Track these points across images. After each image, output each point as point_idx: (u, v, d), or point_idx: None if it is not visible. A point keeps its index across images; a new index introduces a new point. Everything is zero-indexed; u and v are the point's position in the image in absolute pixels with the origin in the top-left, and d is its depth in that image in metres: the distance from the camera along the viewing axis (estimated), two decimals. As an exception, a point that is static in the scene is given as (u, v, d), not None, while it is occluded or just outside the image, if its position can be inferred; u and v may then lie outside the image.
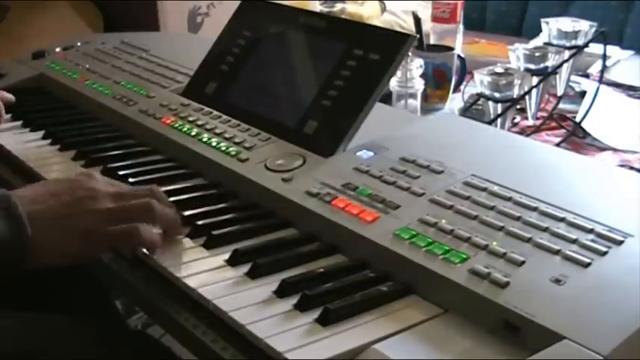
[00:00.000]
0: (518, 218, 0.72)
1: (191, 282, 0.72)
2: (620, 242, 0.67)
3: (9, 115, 1.16)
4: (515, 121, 1.29)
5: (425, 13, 1.42)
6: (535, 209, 0.73)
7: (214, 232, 0.80)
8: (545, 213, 0.73)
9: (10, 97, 1.18)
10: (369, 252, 0.74)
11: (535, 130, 1.25)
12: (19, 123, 1.17)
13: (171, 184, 0.92)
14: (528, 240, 0.69)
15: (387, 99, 1.23)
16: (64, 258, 0.75)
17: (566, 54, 1.28)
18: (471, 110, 1.27)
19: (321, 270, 0.73)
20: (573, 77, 1.39)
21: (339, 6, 1.74)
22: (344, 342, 0.63)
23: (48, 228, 0.72)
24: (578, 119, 1.24)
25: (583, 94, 1.34)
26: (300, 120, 0.96)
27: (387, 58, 0.92)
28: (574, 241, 0.68)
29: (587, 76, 1.48)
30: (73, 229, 0.73)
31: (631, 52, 1.64)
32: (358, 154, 0.88)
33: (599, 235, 0.68)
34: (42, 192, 0.76)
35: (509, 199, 0.76)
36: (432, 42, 1.41)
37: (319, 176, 0.85)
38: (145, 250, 0.77)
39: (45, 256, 0.72)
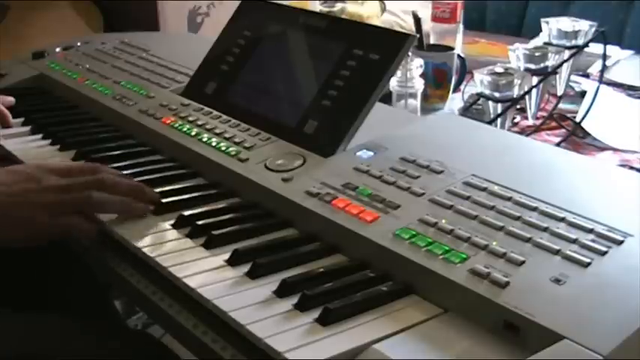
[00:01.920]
0: (518, 218, 0.72)
1: (191, 282, 0.72)
2: (620, 242, 0.67)
3: (17, 120, 1.16)
4: (515, 121, 1.29)
5: (425, 13, 1.42)
6: (535, 209, 0.73)
7: (214, 232, 0.80)
8: (545, 213, 0.73)
9: (11, 99, 1.18)
10: (369, 252, 0.74)
11: (535, 130, 1.25)
12: (19, 123, 1.17)
13: (172, 184, 0.92)
14: (528, 240, 0.69)
15: (387, 99, 1.23)
16: (7, 243, 0.80)
17: (566, 54, 1.28)
18: (471, 110, 1.27)
19: (321, 270, 0.73)
20: (573, 77, 1.39)
21: (339, 6, 1.74)
22: (344, 342, 0.63)
23: None
24: (578, 119, 1.24)
25: (583, 94, 1.34)
26: (300, 120, 0.96)
27: (387, 57, 0.92)
28: (574, 241, 0.68)
29: (587, 76, 1.48)
30: (17, 218, 0.79)
31: (631, 52, 1.64)
32: (358, 154, 0.88)
33: (599, 235, 0.68)
34: None
35: (509, 199, 0.76)
36: (432, 42, 1.41)
37: (319, 176, 0.85)
38: (145, 251, 0.78)
39: None
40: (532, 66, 1.25)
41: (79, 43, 1.45)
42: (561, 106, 1.31)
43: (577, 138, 1.22)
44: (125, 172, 0.95)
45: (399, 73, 1.22)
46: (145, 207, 0.85)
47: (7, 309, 0.86)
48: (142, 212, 0.85)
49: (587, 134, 1.22)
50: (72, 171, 0.86)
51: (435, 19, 1.41)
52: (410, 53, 1.21)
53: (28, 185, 0.81)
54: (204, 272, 0.74)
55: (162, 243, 0.80)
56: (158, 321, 0.78)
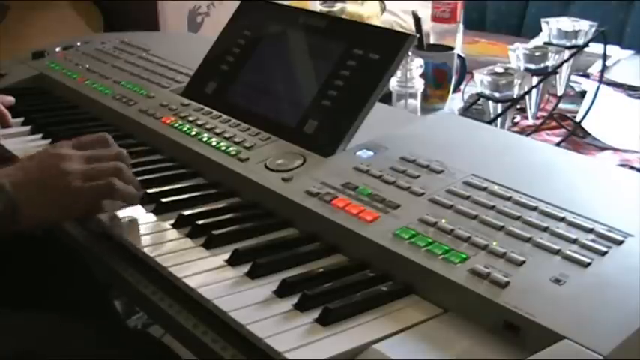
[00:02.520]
0: (518, 218, 0.72)
1: (191, 282, 0.72)
2: (620, 242, 0.67)
3: (17, 120, 1.16)
4: (515, 120, 1.29)
5: (425, 12, 1.42)
6: (535, 209, 0.73)
7: (214, 232, 0.80)
8: (545, 213, 0.73)
9: (11, 99, 1.18)
10: (369, 252, 0.74)
11: (535, 129, 1.25)
12: (19, 123, 1.17)
13: (172, 184, 0.92)
14: (528, 240, 0.69)
15: (387, 99, 1.22)
16: (48, 218, 0.82)
17: (566, 54, 1.28)
18: (471, 110, 1.27)
19: (321, 270, 0.73)
20: (573, 77, 1.39)
21: (339, 6, 1.74)
22: (344, 342, 0.63)
23: (30, 192, 0.80)
24: (578, 119, 1.24)
25: (583, 93, 1.34)
26: (300, 120, 0.96)
27: (387, 57, 0.92)
28: (574, 241, 0.68)
29: (587, 75, 1.48)
30: (52, 190, 0.81)
31: (631, 52, 1.64)
32: (358, 153, 0.88)
33: (599, 235, 0.68)
34: (20, 166, 0.84)
35: (509, 198, 0.76)
36: (432, 42, 1.41)
37: (319, 176, 0.85)
38: (145, 251, 0.78)
39: (32, 217, 0.80)
40: (532, 66, 1.25)
41: (79, 43, 1.45)
42: (561, 106, 1.31)
43: (577, 138, 1.22)
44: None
45: (399, 73, 1.22)
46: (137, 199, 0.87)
47: (7, 308, 0.86)
48: (135, 203, 0.86)
49: (587, 134, 1.22)
50: (87, 144, 0.89)
51: (435, 19, 1.41)
52: (410, 53, 1.21)
53: (53, 160, 0.83)
54: (204, 272, 0.74)
55: (162, 243, 0.80)
56: (158, 321, 0.78)
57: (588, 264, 0.65)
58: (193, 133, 1.01)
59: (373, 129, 0.91)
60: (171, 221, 0.84)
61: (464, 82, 1.40)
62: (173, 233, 0.82)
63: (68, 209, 0.82)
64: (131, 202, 0.86)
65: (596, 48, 1.35)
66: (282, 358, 0.61)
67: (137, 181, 0.87)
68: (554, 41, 1.31)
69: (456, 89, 1.39)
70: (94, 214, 0.85)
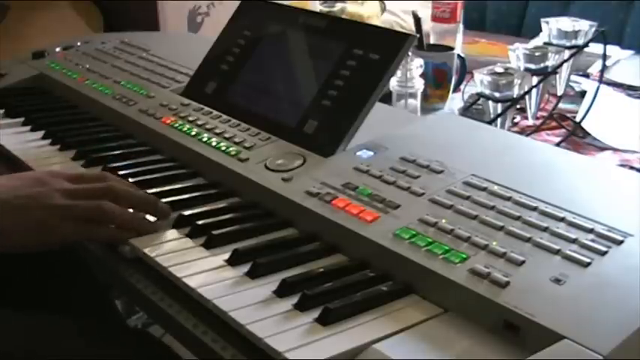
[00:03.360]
0: (518, 218, 0.72)
1: (191, 282, 0.72)
2: (620, 242, 0.67)
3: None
4: (515, 121, 1.29)
5: (425, 12, 1.42)
6: (535, 209, 0.73)
7: (214, 232, 0.80)
8: (545, 213, 0.73)
9: None
10: (369, 252, 0.74)
11: (535, 129, 1.25)
12: (19, 122, 1.17)
13: (171, 184, 0.92)
14: (528, 240, 0.69)
15: (387, 99, 1.22)
16: (19, 246, 0.80)
17: (566, 54, 1.28)
18: (471, 110, 1.27)
19: (321, 270, 0.73)
20: (573, 77, 1.39)
21: (339, 6, 1.74)
22: (344, 342, 0.63)
23: (6, 217, 0.77)
24: (578, 119, 1.24)
25: (583, 93, 1.34)
26: (300, 120, 0.96)
27: (387, 57, 0.92)
28: (574, 241, 0.68)
29: (587, 76, 1.48)
30: (28, 221, 0.78)
31: (631, 52, 1.64)
32: (358, 153, 0.88)
33: (599, 235, 0.68)
34: (5, 184, 0.81)
35: (509, 198, 0.76)
36: (432, 42, 1.41)
37: (319, 176, 0.85)
38: (145, 251, 0.78)
39: (4, 242, 0.78)
40: (532, 66, 1.25)
41: (79, 43, 1.45)
42: (561, 106, 1.31)
43: (577, 138, 1.22)
44: (125, 171, 0.95)
45: (399, 73, 1.22)
46: (154, 226, 0.82)
47: (7, 309, 0.86)
48: (151, 231, 0.82)
49: (587, 134, 1.22)
50: (81, 178, 0.85)
51: (435, 19, 1.41)
52: (410, 53, 1.21)
53: (38, 188, 0.80)
54: (204, 272, 0.74)
55: (162, 243, 0.80)
56: (158, 321, 0.78)
57: (588, 264, 0.65)
58: (193, 133, 1.01)
59: (373, 129, 0.91)
60: (172, 221, 0.84)
61: (464, 82, 1.40)
62: (173, 233, 0.82)
63: (38, 240, 0.79)
64: (135, 227, 0.81)
65: (596, 48, 1.35)
66: (282, 358, 0.61)
67: (127, 215, 0.81)
68: (554, 41, 1.31)
69: (456, 89, 1.39)
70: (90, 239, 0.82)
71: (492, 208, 0.74)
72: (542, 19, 1.35)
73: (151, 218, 0.84)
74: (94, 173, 0.89)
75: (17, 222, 0.78)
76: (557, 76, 1.31)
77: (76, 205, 0.79)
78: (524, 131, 1.26)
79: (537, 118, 1.29)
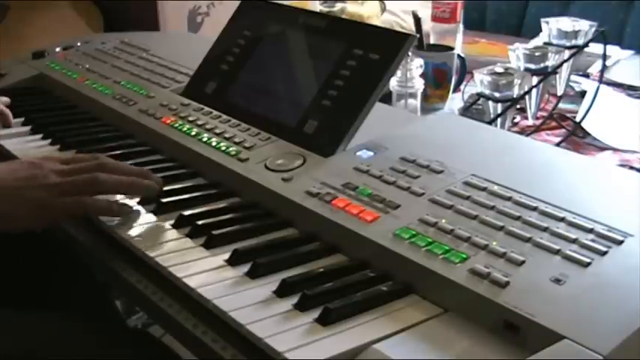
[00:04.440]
0: (518, 218, 0.72)
1: (191, 282, 0.72)
2: (620, 242, 0.67)
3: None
4: (515, 121, 1.29)
5: (425, 12, 1.42)
6: (535, 209, 0.73)
7: (214, 232, 0.80)
8: (545, 213, 0.73)
9: (6, 99, 1.17)
10: (369, 252, 0.74)
11: (535, 129, 1.25)
12: (19, 123, 1.17)
13: (171, 184, 0.92)
14: (528, 240, 0.69)
15: (387, 99, 1.22)
16: (19, 226, 0.83)
17: (566, 54, 1.28)
18: (471, 110, 1.27)
19: (321, 270, 0.73)
20: (573, 77, 1.39)
21: (339, 6, 1.74)
22: (344, 342, 0.63)
23: (4, 199, 0.81)
24: (578, 119, 1.24)
25: (583, 94, 1.34)
26: (300, 120, 0.96)
27: (387, 57, 0.92)
28: (574, 241, 0.68)
29: (587, 76, 1.48)
30: (26, 201, 0.81)
31: (631, 52, 1.64)
32: (358, 153, 0.88)
33: (599, 235, 0.68)
34: (2, 170, 0.85)
35: (509, 198, 0.76)
36: (432, 42, 1.41)
37: (319, 176, 0.85)
38: (145, 251, 0.78)
39: (7, 224, 0.81)
40: (532, 66, 1.25)
41: (79, 43, 1.45)
42: (561, 106, 1.31)
43: (577, 138, 1.22)
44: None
45: (399, 73, 1.22)
46: (152, 183, 0.87)
47: (8, 308, 0.86)
48: (150, 190, 0.86)
49: (587, 134, 1.22)
50: (74, 159, 0.89)
51: (435, 19, 1.41)
52: (410, 53, 1.21)
53: (33, 171, 0.83)
54: (204, 272, 0.74)
55: (162, 243, 0.80)
56: (158, 321, 0.78)
57: (588, 264, 0.65)
58: (193, 133, 1.01)
59: (373, 129, 0.91)
60: (171, 221, 0.84)
61: (464, 82, 1.40)
62: (173, 233, 0.82)
63: (37, 219, 0.83)
64: (133, 189, 0.87)
65: (596, 48, 1.35)
66: (282, 358, 0.61)
67: (124, 180, 0.86)
68: (554, 41, 1.31)
69: (456, 89, 1.39)
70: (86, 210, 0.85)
71: (492, 208, 0.74)
72: (542, 19, 1.35)
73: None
74: (85, 155, 0.92)
75: (17, 204, 0.81)
76: (557, 76, 1.31)
77: (72, 181, 0.83)
78: (524, 131, 1.26)
79: (537, 118, 1.29)
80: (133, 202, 0.88)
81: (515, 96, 1.18)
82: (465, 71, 1.39)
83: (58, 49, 1.43)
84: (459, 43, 1.43)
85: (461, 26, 1.43)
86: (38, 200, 0.81)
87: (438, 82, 1.34)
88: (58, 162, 0.87)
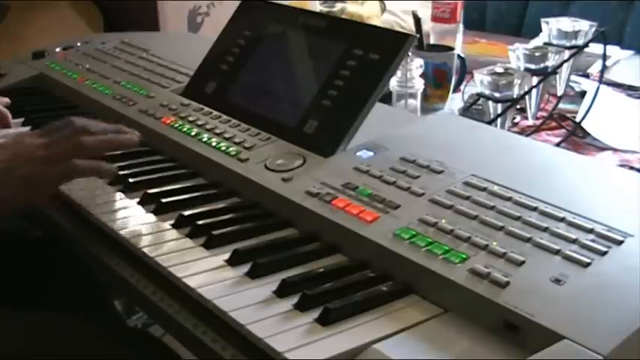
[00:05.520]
0: (518, 218, 0.72)
1: (191, 282, 0.72)
2: (620, 242, 0.67)
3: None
4: (515, 121, 1.29)
5: (425, 13, 1.42)
6: (535, 209, 0.73)
7: (214, 232, 0.80)
8: (545, 213, 0.73)
9: (6, 100, 1.17)
10: (369, 252, 0.74)
11: (535, 130, 1.25)
12: (19, 123, 1.17)
13: (172, 184, 0.92)
14: (528, 240, 0.69)
15: (387, 99, 1.22)
16: (16, 205, 0.84)
17: (566, 54, 1.28)
18: (471, 110, 1.27)
19: (321, 270, 0.73)
20: (573, 77, 1.39)
21: (339, 6, 1.74)
22: (344, 342, 0.63)
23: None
24: (578, 119, 1.24)
25: (583, 94, 1.34)
26: (300, 120, 0.96)
27: (387, 58, 0.92)
28: (574, 241, 0.68)
29: (587, 76, 1.48)
30: (16, 179, 0.82)
31: (631, 52, 1.64)
32: (358, 154, 0.88)
33: (599, 235, 0.68)
34: None
35: (509, 199, 0.76)
36: (432, 42, 1.41)
37: (319, 176, 0.85)
38: (145, 251, 0.78)
39: (3, 202, 0.82)
40: (532, 66, 1.25)
41: (79, 43, 1.45)
42: (561, 106, 1.31)
43: (577, 138, 1.22)
44: (125, 172, 0.95)
45: (399, 73, 1.22)
46: (131, 137, 0.89)
47: (7, 309, 0.86)
48: (130, 141, 0.89)
49: (587, 134, 1.22)
50: (49, 130, 0.87)
51: (435, 19, 1.41)
52: (410, 53, 1.21)
53: (15, 149, 0.84)
54: (204, 272, 0.74)
55: (162, 243, 0.80)
56: (158, 321, 0.78)
57: (588, 264, 0.65)
58: (193, 134, 1.01)
59: (373, 129, 0.91)
60: (171, 221, 0.84)
61: (464, 82, 1.40)
62: (173, 233, 0.82)
63: (30, 195, 0.84)
64: (101, 174, 0.88)
65: (596, 48, 1.35)
66: (282, 358, 0.61)
67: (105, 139, 0.87)
68: (554, 41, 1.31)
69: (456, 89, 1.39)
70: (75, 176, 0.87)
71: (492, 208, 0.74)
72: (542, 19, 1.35)
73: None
74: (57, 122, 0.89)
75: (9, 184, 0.82)
76: (557, 76, 1.30)
77: (57, 151, 0.83)
78: (524, 131, 1.26)
79: (537, 118, 1.29)
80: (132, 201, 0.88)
81: (515, 96, 1.18)
82: (465, 71, 1.39)
83: (58, 49, 1.43)
84: (459, 43, 1.43)
85: (461, 26, 1.43)
86: (29, 175, 0.82)
87: (438, 82, 1.33)
88: (34, 136, 0.86)
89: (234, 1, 1.17)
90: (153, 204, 0.88)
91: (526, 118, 1.30)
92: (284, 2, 1.18)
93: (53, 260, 1.12)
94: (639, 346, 0.58)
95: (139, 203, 0.89)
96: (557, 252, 0.67)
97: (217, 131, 1.00)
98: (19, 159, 0.82)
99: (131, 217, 0.86)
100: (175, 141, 1.01)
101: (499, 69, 1.20)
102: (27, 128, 1.14)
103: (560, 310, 0.61)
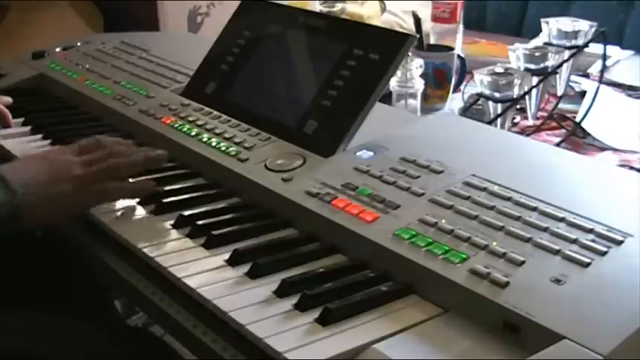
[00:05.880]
0: (518, 218, 0.72)
1: (191, 282, 0.72)
2: (620, 242, 0.67)
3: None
4: (515, 121, 1.29)
5: (425, 13, 1.42)
6: (535, 209, 0.73)
7: (214, 232, 0.80)
8: (545, 213, 0.73)
9: (8, 99, 1.18)
10: (369, 252, 0.74)
11: (535, 130, 1.25)
12: (19, 123, 1.17)
13: (172, 184, 0.92)
14: (528, 240, 0.69)
15: (387, 99, 1.22)
16: (52, 218, 0.86)
17: (566, 54, 1.28)
18: (471, 110, 1.27)
19: (321, 270, 0.73)
20: (573, 77, 1.39)
21: (339, 6, 1.74)
22: (344, 342, 0.63)
23: (37, 193, 0.83)
24: (578, 119, 1.24)
25: (583, 94, 1.34)
26: (300, 120, 0.96)
27: (387, 58, 0.92)
28: (574, 241, 0.68)
29: (587, 76, 1.48)
30: (58, 192, 0.84)
31: (631, 52, 1.64)
32: (358, 154, 0.88)
33: (599, 235, 0.68)
34: (27, 164, 0.88)
35: (509, 199, 0.76)
36: (432, 42, 1.41)
37: (319, 176, 0.85)
38: (145, 251, 0.78)
39: (37, 216, 0.83)
40: (532, 66, 1.25)
41: (79, 43, 1.45)
42: (561, 106, 1.31)
43: (577, 138, 1.22)
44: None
45: (399, 73, 1.22)
46: (161, 154, 0.92)
47: (7, 309, 0.86)
48: (159, 158, 0.92)
49: (587, 134, 1.22)
50: (83, 148, 0.91)
51: (435, 19, 1.41)
52: (410, 53, 1.21)
53: (55, 166, 0.86)
54: (204, 272, 0.74)
55: (163, 243, 0.80)
56: (158, 321, 0.78)
57: (588, 264, 0.65)
58: (193, 134, 1.01)
59: (373, 129, 0.91)
60: (172, 221, 0.84)
61: (464, 82, 1.40)
62: (173, 233, 0.82)
63: (69, 209, 0.86)
64: (135, 195, 0.89)
65: (596, 48, 1.35)
66: (282, 358, 0.61)
67: (139, 159, 0.90)
68: (554, 41, 1.31)
69: (456, 89, 1.39)
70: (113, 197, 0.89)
71: (492, 208, 0.74)
72: (542, 19, 1.35)
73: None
74: (88, 140, 0.93)
75: (44, 198, 0.83)
76: (557, 76, 1.30)
77: (95, 170, 0.86)
78: (524, 131, 1.26)
79: (537, 119, 1.29)
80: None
81: (515, 96, 1.18)
82: (465, 71, 1.39)
83: (58, 49, 1.43)
84: (459, 43, 1.43)
85: (461, 26, 1.43)
86: (68, 193, 0.84)
87: (438, 83, 1.34)
88: (68, 153, 0.89)
89: (234, 1, 1.17)
90: (153, 204, 0.88)
91: (526, 118, 1.30)
92: (284, 2, 1.18)
93: (53, 260, 1.12)
94: (639, 346, 0.58)
95: (139, 203, 0.89)
96: (557, 252, 0.67)
97: (217, 131, 1.00)
98: (62, 175, 0.85)
99: (131, 217, 0.86)
100: (175, 141, 1.01)
101: (499, 69, 1.20)
102: (27, 128, 1.14)
103: (560, 310, 0.61)
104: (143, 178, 0.92)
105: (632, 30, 1.86)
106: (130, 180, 0.91)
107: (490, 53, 1.60)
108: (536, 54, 1.26)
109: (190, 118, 1.05)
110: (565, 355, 0.57)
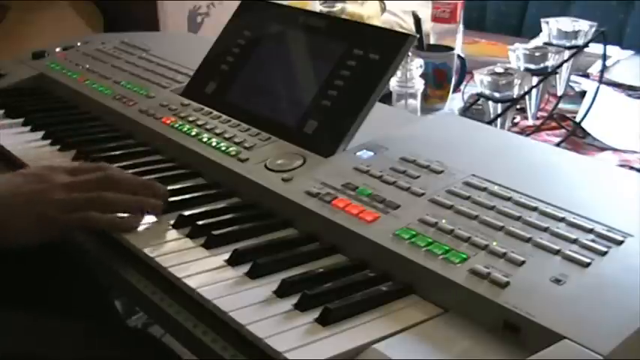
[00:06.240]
0: (518, 218, 0.72)
1: (191, 282, 0.72)
2: (620, 242, 0.67)
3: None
4: (515, 121, 1.29)
5: (425, 13, 1.42)
6: (535, 209, 0.73)
7: (214, 232, 0.80)
8: (545, 213, 0.73)
9: None
10: (369, 252, 0.74)
11: (535, 130, 1.25)
12: (19, 122, 1.17)
13: (172, 184, 0.92)
14: (528, 240, 0.69)
15: (387, 99, 1.23)
16: (22, 240, 0.82)
17: (566, 54, 1.28)
18: (471, 110, 1.27)
19: (321, 270, 0.73)
20: (573, 77, 1.39)
21: (339, 6, 1.74)
22: (344, 342, 0.63)
23: (9, 213, 0.80)
24: (578, 119, 1.24)
25: (583, 94, 1.34)
26: (300, 120, 0.96)
27: (387, 58, 0.92)
28: (574, 241, 0.68)
29: (587, 76, 1.48)
30: (30, 215, 0.81)
31: (631, 52, 1.64)
32: (358, 154, 0.88)
33: (599, 235, 0.68)
34: (6, 182, 0.85)
35: (509, 199, 0.76)
36: (432, 42, 1.41)
37: (319, 176, 0.85)
38: (145, 252, 0.78)
39: (7, 237, 0.80)
40: (532, 66, 1.25)
41: (79, 43, 1.45)
42: (561, 106, 1.31)
43: (577, 138, 1.22)
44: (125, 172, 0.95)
45: (399, 73, 1.22)
46: (158, 203, 0.85)
47: (7, 309, 0.86)
48: (154, 208, 0.85)
49: (587, 134, 1.22)
50: (80, 169, 0.87)
51: (435, 19, 1.41)
52: (410, 53, 1.21)
53: (39, 186, 0.83)
54: (205, 272, 0.74)
55: (163, 243, 0.80)
56: (158, 321, 0.78)
57: (588, 264, 0.65)
58: (193, 134, 1.01)
59: (373, 129, 0.91)
60: (172, 221, 0.84)
61: (464, 82, 1.40)
62: (173, 233, 0.82)
63: (41, 233, 0.82)
64: (137, 207, 0.84)
65: (596, 48, 1.35)
66: (282, 358, 0.61)
67: (127, 199, 0.84)
68: (554, 41, 1.31)
69: (456, 89, 1.39)
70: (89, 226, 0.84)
71: (492, 208, 0.74)
72: (542, 19, 1.35)
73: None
74: (92, 164, 0.91)
75: (18, 217, 0.80)
76: (557, 76, 1.31)
77: (76, 198, 0.82)
78: (524, 131, 1.26)
79: (537, 119, 1.29)
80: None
81: (515, 96, 1.18)
82: (465, 71, 1.39)
83: (58, 49, 1.43)
84: (459, 43, 1.43)
85: (461, 26, 1.43)
86: (39, 215, 0.81)
87: (438, 83, 1.34)
88: (64, 172, 0.86)
89: (234, 1, 1.17)
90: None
91: (526, 118, 1.30)
92: (284, 2, 1.18)
93: (53, 261, 1.12)
94: (639, 346, 0.58)
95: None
96: (557, 252, 0.67)
97: (217, 131, 1.00)
98: (39, 196, 0.81)
99: (131, 217, 0.86)
100: (175, 141, 1.01)
101: (499, 69, 1.20)
102: (27, 128, 1.14)
103: (560, 310, 0.61)
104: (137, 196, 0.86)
105: (632, 30, 1.86)
106: (119, 215, 0.84)
107: (490, 53, 1.60)
108: (536, 54, 1.26)
109: (190, 118, 1.05)
110: (565, 355, 0.57)
